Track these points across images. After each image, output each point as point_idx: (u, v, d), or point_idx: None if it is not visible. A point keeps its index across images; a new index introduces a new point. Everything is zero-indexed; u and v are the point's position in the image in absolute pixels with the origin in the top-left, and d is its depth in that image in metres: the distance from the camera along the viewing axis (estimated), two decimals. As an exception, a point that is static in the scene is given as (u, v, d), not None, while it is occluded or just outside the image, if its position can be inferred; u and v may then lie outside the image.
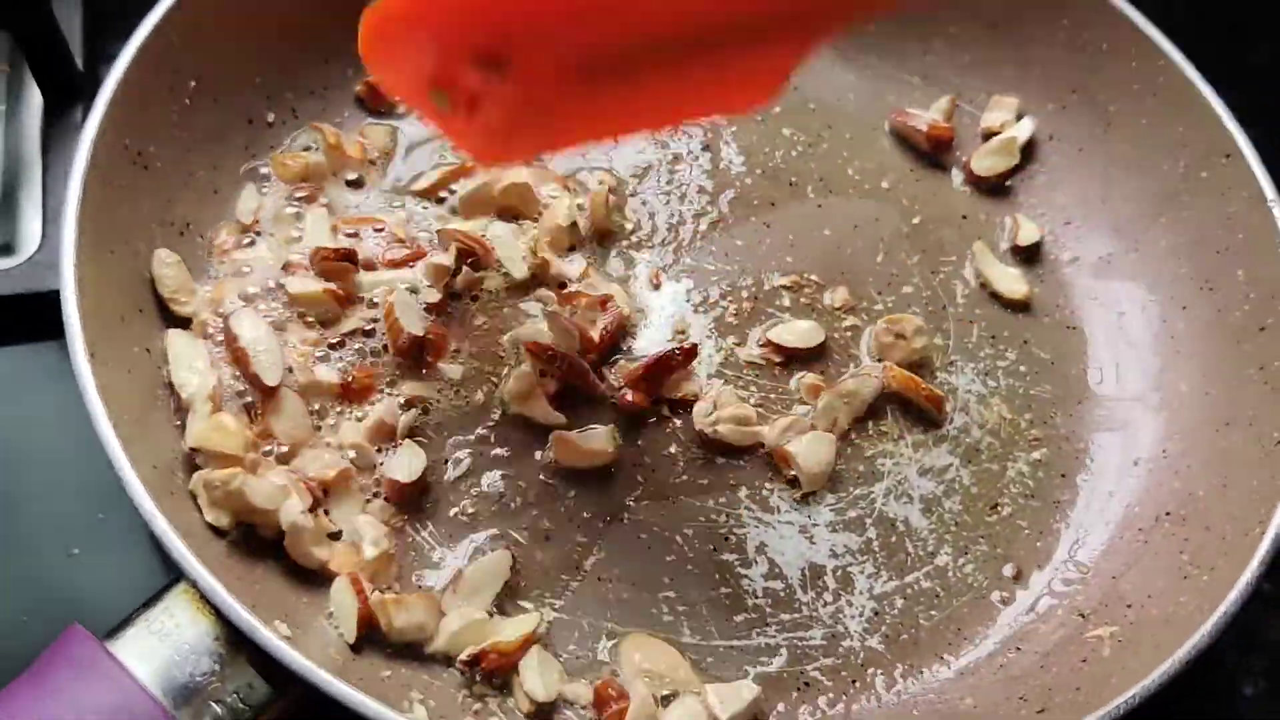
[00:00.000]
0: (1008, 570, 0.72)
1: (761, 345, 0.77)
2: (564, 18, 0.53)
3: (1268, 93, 0.89)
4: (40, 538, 0.72)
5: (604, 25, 0.53)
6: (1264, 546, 0.64)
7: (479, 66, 0.55)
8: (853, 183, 0.85)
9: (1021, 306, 0.81)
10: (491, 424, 0.71)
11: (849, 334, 0.78)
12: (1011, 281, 0.81)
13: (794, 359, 0.77)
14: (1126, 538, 0.73)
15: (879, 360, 0.77)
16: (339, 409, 0.70)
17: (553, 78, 0.55)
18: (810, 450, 0.72)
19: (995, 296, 0.81)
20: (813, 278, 0.80)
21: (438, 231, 0.76)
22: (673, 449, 0.73)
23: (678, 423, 0.73)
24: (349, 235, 0.76)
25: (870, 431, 0.75)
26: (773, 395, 0.75)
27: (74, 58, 0.87)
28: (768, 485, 0.72)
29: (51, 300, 0.63)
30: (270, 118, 0.79)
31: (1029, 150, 0.86)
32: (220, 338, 0.69)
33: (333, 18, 0.80)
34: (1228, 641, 0.81)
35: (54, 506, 0.73)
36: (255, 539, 0.64)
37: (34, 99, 0.86)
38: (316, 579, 0.64)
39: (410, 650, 0.63)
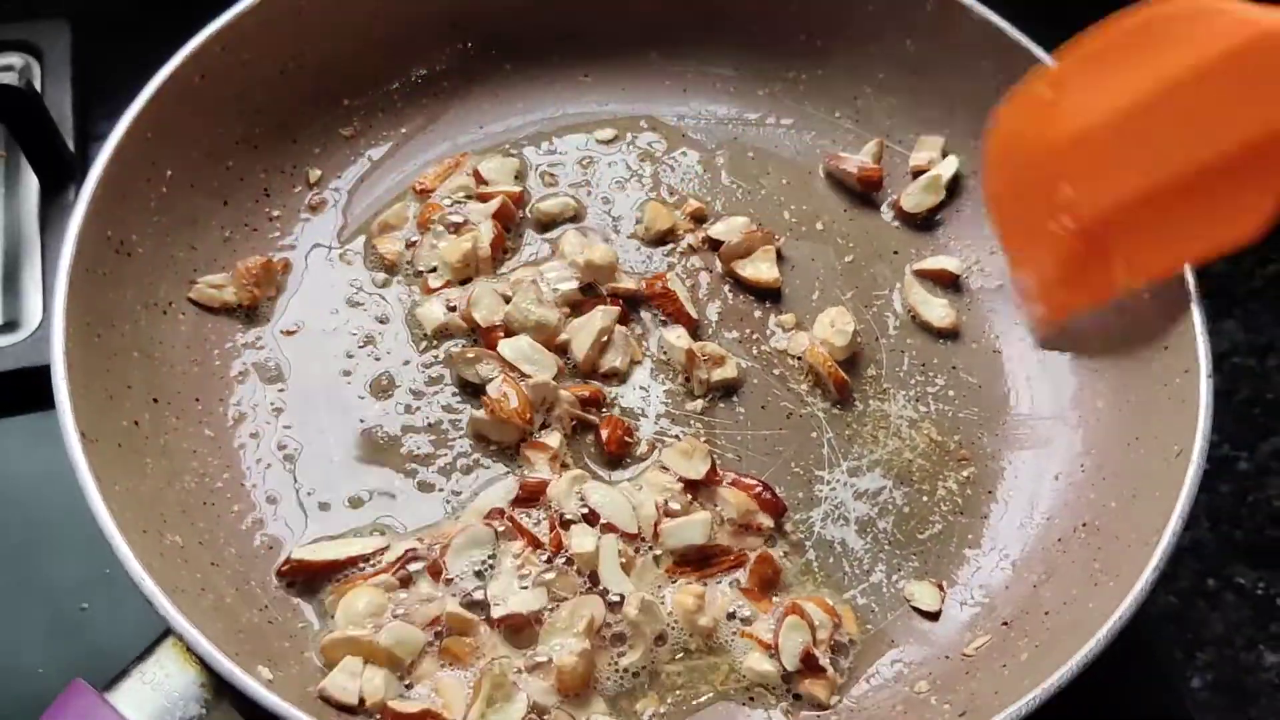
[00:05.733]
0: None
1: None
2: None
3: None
4: (54, 594, 0.79)
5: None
6: (1157, 554, 0.69)
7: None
8: (789, 225, 0.90)
9: (949, 334, 0.87)
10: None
11: (792, 361, 0.84)
12: (939, 310, 0.87)
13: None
14: (1046, 547, 0.78)
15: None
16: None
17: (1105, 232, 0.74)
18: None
19: (924, 326, 0.87)
20: (754, 315, 0.86)
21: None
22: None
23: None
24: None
25: (810, 460, 0.81)
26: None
27: (65, 142, 0.93)
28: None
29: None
30: (242, 198, 0.85)
31: (954, 185, 0.92)
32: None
33: (295, 105, 0.87)
34: (1175, 637, 0.87)
35: (66, 564, 0.80)
36: (245, 592, 0.71)
37: (30, 181, 0.92)
38: (295, 622, 0.71)
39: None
